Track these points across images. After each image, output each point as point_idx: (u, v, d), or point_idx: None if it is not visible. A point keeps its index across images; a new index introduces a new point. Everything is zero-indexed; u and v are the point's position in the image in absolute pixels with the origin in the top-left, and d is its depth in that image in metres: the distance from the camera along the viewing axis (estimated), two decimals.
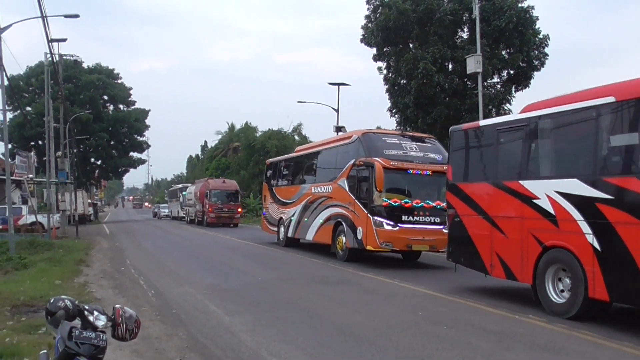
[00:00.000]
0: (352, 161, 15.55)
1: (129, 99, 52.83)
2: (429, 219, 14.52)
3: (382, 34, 27.71)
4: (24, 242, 18.98)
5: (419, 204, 14.48)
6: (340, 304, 9.65)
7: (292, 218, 19.68)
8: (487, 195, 10.30)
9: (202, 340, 7.11)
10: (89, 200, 50.97)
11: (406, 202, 14.45)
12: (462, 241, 10.83)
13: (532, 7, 26.55)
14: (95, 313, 3.26)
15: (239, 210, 37.79)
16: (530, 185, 9.19)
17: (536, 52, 26.88)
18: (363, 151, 15.14)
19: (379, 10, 28.00)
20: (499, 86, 27.94)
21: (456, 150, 11.43)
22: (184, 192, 46.98)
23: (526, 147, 9.59)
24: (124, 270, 14.00)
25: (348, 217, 15.55)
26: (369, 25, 28.54)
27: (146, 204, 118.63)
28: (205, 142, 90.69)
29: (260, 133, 54.11)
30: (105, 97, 51.25)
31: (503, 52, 27.06)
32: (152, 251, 19.41)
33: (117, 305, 3.38)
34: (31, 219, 26.34)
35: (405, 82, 27.61)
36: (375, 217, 14.32)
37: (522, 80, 27.51)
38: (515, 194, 9.46)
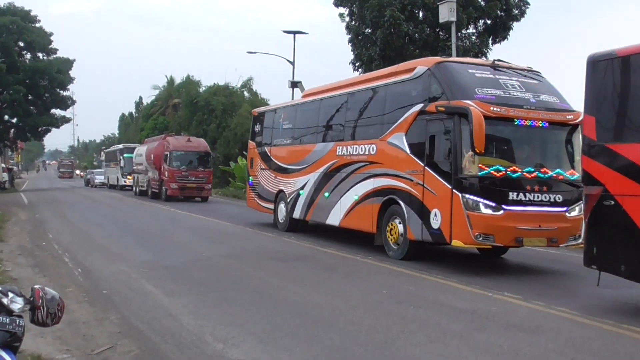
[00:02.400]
0: (419, 106, 11.72)
1: (50, 46, 51.03)
2: (547, 197, 10.78)
3: None
4: None
5: (532, 174, 10.81)
6: (296, 282, 9.72)
7: (300, 192, 15.97)
8: None
9: (137, 324, 7.06)
10: (3, 165, 49.52)
11: (514, 171, 10.71)
12: (621, 238, 7.86)
13: None
14: (10, 295, 3.17)
15: (210, 179, 33.03)
16: None
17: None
18: (440, 90, 11.37)
19: None
20: (474, 37, 28.09)
21: (605, 91, 8.27)
22: (126, 155, 44.61)
23: None
24: (45, 246, 13.71)
25: (410, 192, 11.72)
26: None
27: (78, 171, 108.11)
28: (140, 98, 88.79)
29: (204, 88, 53.31)
30: (21, 44, 49.33)
31: None
32: (80, 224, 19.04)
33: (36, 286, 3.29)
34: None
35: (370, 31, 27.45)
36: (467, 195, 10.48)
37: (500, 31, 27.71)
38: None
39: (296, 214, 16.28)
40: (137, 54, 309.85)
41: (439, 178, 11.05)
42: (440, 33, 27.18)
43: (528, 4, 27.18)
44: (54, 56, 51.69)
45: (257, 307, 7.87)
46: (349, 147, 14.08)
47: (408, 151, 11.97)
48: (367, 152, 13.37)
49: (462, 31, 27.08)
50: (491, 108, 10.50)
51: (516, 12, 27.28)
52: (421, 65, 12.20)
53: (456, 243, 10.78)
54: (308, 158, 15.86)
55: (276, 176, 17.62)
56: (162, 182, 32.46)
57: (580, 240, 10.75)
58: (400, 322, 7.21)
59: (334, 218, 14.48)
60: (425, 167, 11.38)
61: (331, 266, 11.39)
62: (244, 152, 38.88)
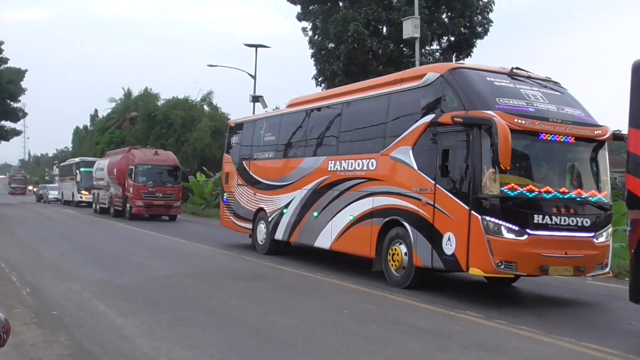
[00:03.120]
0: (429, 117, 10.71)
1: (0, 55, 50.30)
2: (574, 221, 9.85)
3: None
4: None
5: (559, 194, 9.86)
6: (254, 301, 9.69)
7: (284, 210, 14.74)
8: None
9: (89, 346, 6.93)
10: None
11: (538, 191, 9.76)
12: None
13: None
14: None
15: (179, 195, 30.87)
16: None
17: (479, 17, 27.74)
18: (455, 99, 10.36)
19: None
20: (438, 54, 28.64)
21: None
22: (82, 169, 43.58)
23: None
24: None
25: (418, 213, 10.64)
26: None
27: (31, 187, 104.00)
28: (96, 111, 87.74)
29: (162, 101, 52.95)
30: None
31: (443, 16, 27.72)
32: (30, 241, 18.64)
33: None
34: None
35: (333, 46, 27.74)
36: (487, 217, 9.48)
37: (463, 48, 28.33)
38: None
39: (279, 235, 15.02)
40: (93, 64, 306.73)
41: (454, 198, 9.99)
42: (404, 49, 27.59)
43: (491, 22, 27.89)
44: (5, 66, 50.81)
45: (214, 328, 7.82)
46: (343, 162, 12.91)
47: (415, 167, 10.91)
48: (365, 168, 12.23)
49: (426, 47, 27.58)
50: (515, 120, 9.56)
51: (479, 29, 27.96)
52: (432, 71, 11.12)
53: (474, 271, 9.66)
54: (294, 174, 14.63)
55: (256, 193, 16.33)
56: (126, 198, 30.39)
57: (608, 270, 10.32)
58: (361, 342, 7.24)
59: (324, 240, 13.27)
60: (437, 185, 10.32)
61: (291, 285, 11.38)
62: (204, 168, 38.72)
